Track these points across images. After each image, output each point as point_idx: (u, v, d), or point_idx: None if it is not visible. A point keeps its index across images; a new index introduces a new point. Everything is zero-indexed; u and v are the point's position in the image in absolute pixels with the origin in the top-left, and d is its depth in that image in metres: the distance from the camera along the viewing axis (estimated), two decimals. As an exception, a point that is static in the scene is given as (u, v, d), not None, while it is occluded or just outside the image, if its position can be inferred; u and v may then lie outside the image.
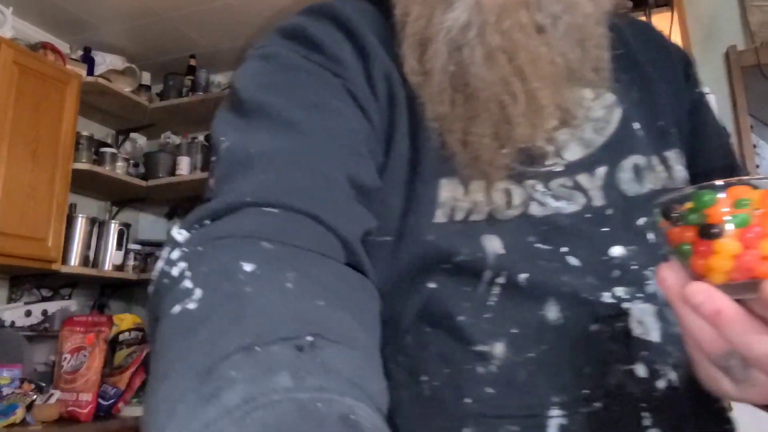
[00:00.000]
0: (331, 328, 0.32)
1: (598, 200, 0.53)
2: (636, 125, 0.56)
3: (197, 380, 0.28)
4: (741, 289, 0.34)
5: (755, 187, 0.34)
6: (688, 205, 0.35)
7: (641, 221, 0.52)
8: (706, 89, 0.63)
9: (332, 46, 0.51)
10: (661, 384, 0.50)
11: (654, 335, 0.50)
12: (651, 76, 0.59)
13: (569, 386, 0.48)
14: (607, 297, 0.50)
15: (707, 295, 0.34)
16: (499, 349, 0.49)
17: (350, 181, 0.45)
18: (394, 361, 0.51)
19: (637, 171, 0.53)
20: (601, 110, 0.55)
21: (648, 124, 0.56)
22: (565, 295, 0.51)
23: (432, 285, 0.50)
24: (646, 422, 0.48)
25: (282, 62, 0.51)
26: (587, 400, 0.48)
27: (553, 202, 0.52)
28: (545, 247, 0.51)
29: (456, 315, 0.50)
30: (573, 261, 0.51)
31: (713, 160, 0.60)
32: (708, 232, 0.34)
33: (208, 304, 0.33)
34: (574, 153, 0.54)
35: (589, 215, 0.52)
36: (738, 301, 0.34)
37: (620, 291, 0.50)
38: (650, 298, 0.51)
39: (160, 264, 0.38)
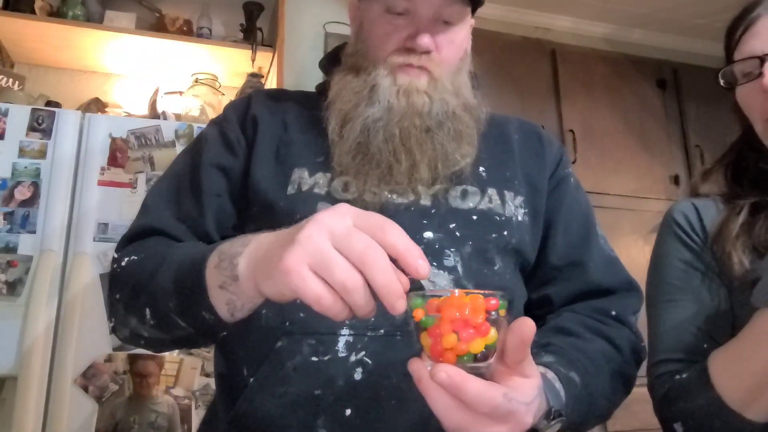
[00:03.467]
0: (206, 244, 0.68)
1: (426, 201, 0.78)
2: (481, 169, 0.83)
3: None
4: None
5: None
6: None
7: (452, 225, 0.77)
8: (569, 170, 0.92)
9: (230, 112, 0.88)
10: None
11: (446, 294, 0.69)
12: (514, 149, 0.88)
13: None
14: None
15: (417, 366, 0.49)
16: None
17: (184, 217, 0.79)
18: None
19: (464, 194, 0.80)
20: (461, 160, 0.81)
21: (494, 171, 0.84)
22: None
23: None
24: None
25: (203, 134, 0.87)
26: (373, 327, 0.69)
27: (387, 194, 0.77)
28: None
29: None
30: None
31: (569, 225, 0.86)
32: (417, 326, 0.49)
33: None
34: (423, 173, 0.78)
35: (414, 209, 0.77)
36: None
37: None
38: (445, 268, 0.74)
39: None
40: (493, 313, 0.48)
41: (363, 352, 0.68)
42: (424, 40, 0.78)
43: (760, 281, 0.65)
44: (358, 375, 0.67)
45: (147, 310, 0.65)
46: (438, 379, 0.46)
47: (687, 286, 0.84)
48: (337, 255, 0.47)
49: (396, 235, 0.48)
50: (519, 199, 0.83)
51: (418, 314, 0.48)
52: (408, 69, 0.80)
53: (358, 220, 0.49)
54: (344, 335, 0.68)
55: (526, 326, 0.48)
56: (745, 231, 0.80)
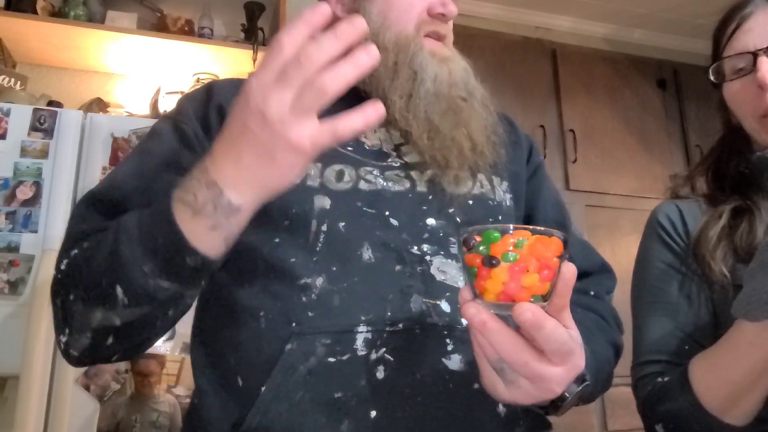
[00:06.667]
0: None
1: (422, 188, 0.73)
2: None
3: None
4: (504, 307, 0.47)
5: (534, 233, 0.46)
6: (479, 239, 0.48)
7: (451, 210, 0.73)
8: (541, 158, 0.91)
9: (186, 105, 0.76)
10: (463, 320, 0.66)
11: (460, 283, 0.69)
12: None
13: (374, 309, 0.65)
14: (414, 249, 0.69)
15: (476, 310, 0.48)
16: (319, 281, 0.65)
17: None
18: (240, 303, 0.67)
19: (457, 179, 0.75)
20: None
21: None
22: (377, 242, 0.67)
23: (277, 240, 0.68)
24: (449, 347, 0.65)
25: (153, 130, 0.76)
26: (391, 322, 0.64)
27: (382, 182, 0.72)
28: (370, 210, 0.70)
29: (290, 258, 0.67)
30: (393, 222, 0.70)
31: (548, 211, 0.85)
32: (489, 261, 0.46)
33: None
34: (412, 158, 0.75)
35: (411, 195, 0.72)
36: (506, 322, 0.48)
37: (426, 247, 0.69)
38: (452, 256, 0.70)
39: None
40: (564, 254, 0.47)
41: (383, 349, 0.63)
42: (453, 7, 0.77)
43: (740, 292, 0.65)
44: (380, 374, 0.62)
45: (118, 288, 0.57)
46: (523, 318, 0.46)
47: (669, 288, 0.85)
48: (285, 73, 0.47)
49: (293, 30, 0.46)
50: (504, 185, 0.81)
51: (497, 249, 0.46)
52: (431, 38, 0.77)
53: (272, 62, 0.48)
54: (362, 332, 0.63)
55: (568, 269, 0.48)
56: (726, 235, 0.81)
